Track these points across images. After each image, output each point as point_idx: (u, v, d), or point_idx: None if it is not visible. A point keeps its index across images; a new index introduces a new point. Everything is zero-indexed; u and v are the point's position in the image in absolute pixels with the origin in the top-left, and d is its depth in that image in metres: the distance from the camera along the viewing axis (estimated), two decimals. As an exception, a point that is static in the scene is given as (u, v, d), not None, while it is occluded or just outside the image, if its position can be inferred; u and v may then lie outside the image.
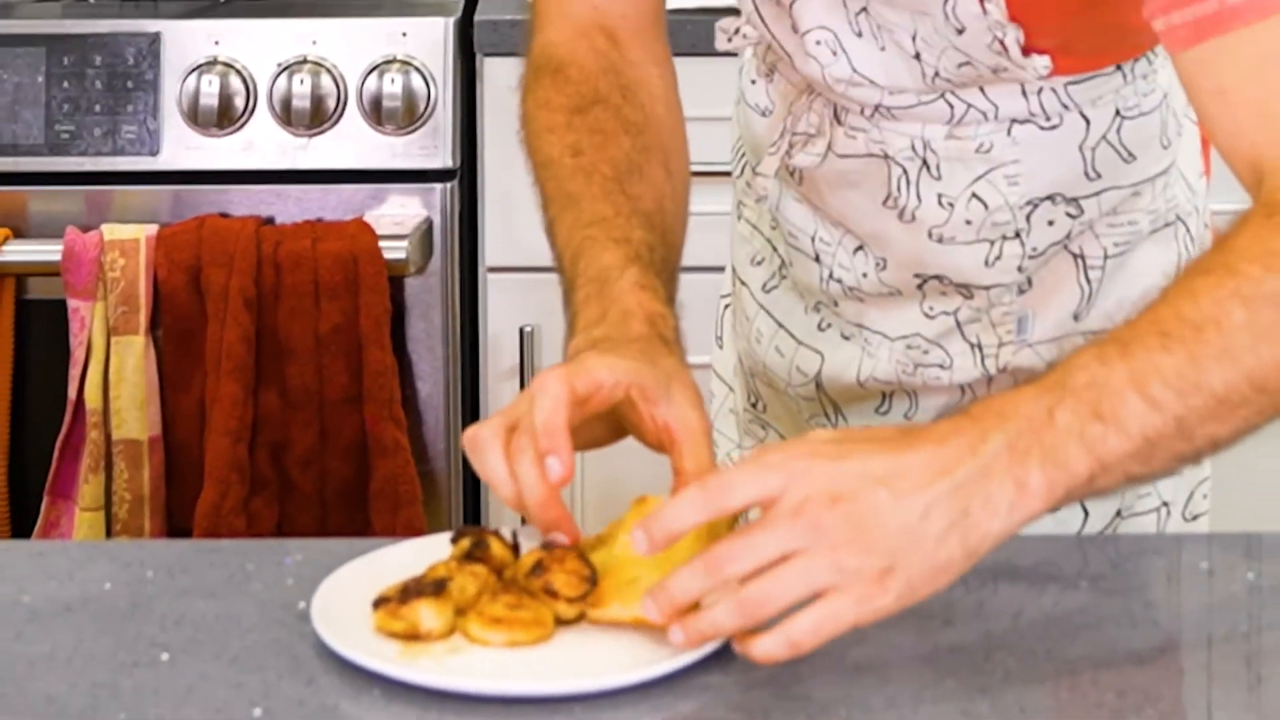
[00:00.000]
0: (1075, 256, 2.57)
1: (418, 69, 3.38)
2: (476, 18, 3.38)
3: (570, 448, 2.02)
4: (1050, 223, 2.54)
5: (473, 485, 3.48)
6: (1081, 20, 2.44)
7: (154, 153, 3.38)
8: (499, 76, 3.38)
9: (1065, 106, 2.50)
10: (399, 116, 3.38)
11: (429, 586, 1.96)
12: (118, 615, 2.04)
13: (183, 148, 3.39)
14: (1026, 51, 2.41)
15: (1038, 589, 2.09)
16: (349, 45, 3.40)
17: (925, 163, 2.54)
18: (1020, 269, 2.54)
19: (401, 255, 3.33)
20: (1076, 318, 2.57)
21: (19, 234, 3.36)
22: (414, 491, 3.33)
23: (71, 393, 3.32)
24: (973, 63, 2.44)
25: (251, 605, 2.05)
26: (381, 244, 3.32)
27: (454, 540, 2.02)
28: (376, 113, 3.39)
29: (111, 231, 3.32)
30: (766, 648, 1.91)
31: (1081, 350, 2.05)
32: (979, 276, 2.55)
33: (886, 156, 2.54)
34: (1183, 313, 2.06)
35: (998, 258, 2.54)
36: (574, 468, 2.04)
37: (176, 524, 3.34)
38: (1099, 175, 2.54)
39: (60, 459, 3.32)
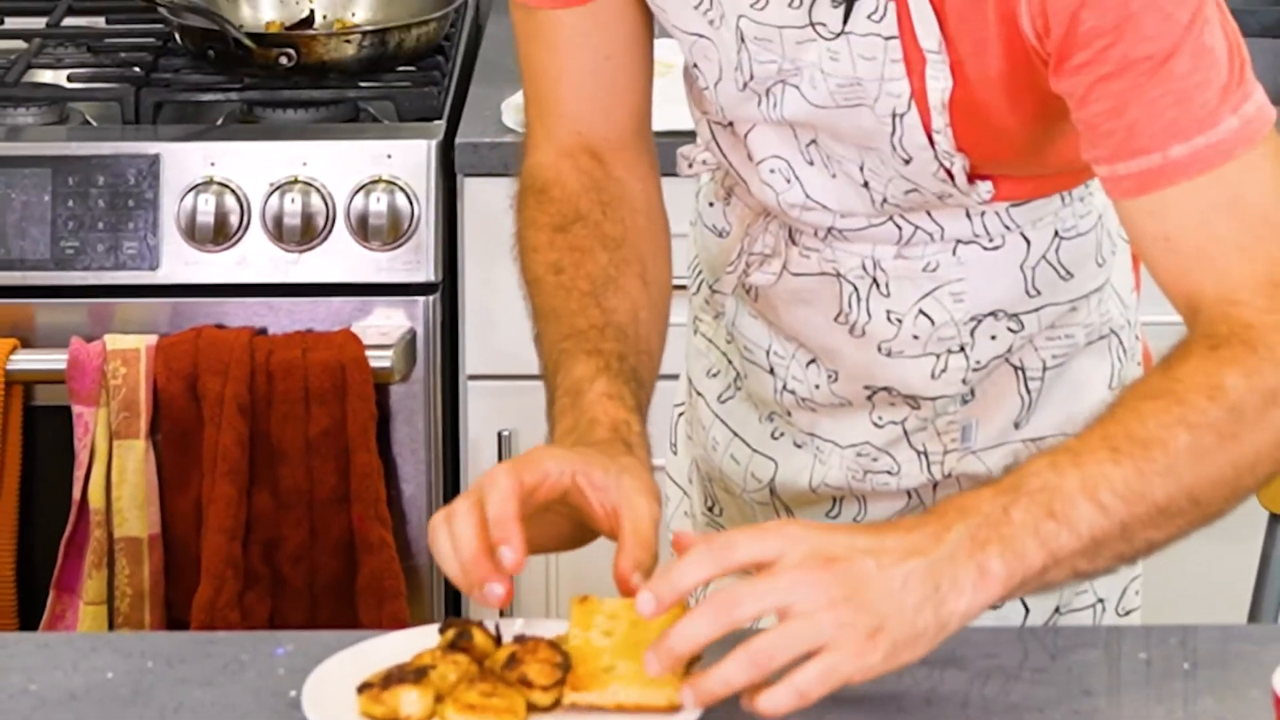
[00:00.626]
0: (1016, 369, 2.57)
1: (402, 188, 3.37)
2: (457, 140, 3.38)
3: (521, 536, 2.04)
4: (993, 337, 2.54)
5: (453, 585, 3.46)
6: (1025, 155, 2.44)
7: (154, 267, 3.37)
8: (478, 195, 3.39)
9: (1007, 228, 2.51)
10: (384, 233, 3.36)
11: (411, 674, 2.01)
12: (120, 703, 2.06)
13: (181, 263, 3.37)
14: (971, 179, 2.42)
15: (983, 679, 2.09)
16: (337, 166, 3.38)
17: (875, 281, 2.54)
18: (964, 381, 2.55)
19: (387, 364, 3.32)
20: (1017, 426, 2.57)
21: (26, 344, 3.35)
22: (398, 586, 3.32)
23: (76, 493, 3.30)
24: (919, 190, 2.44)
25: (245, 693, 2.08)
26: (368, 353, 3.31)
27: (441, 630, 2.06)
28: (363, 230, 3.37)
29: (113, 342, 3.31)
30: (776, 699, 1.94)
31: (1035, 458, 2.11)
32: (925, 388, 2.55)
33: (839, 275, 2.54)
34: (1131, 432, 2.13)
35: (943, 370, 2.54)
36: (524, 556, 2.04)
37: (175, 617, 3.32)
38: (1039, 292, 2.54)
39: (65, 556, 3.31)
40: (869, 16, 2.34)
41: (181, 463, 3.32)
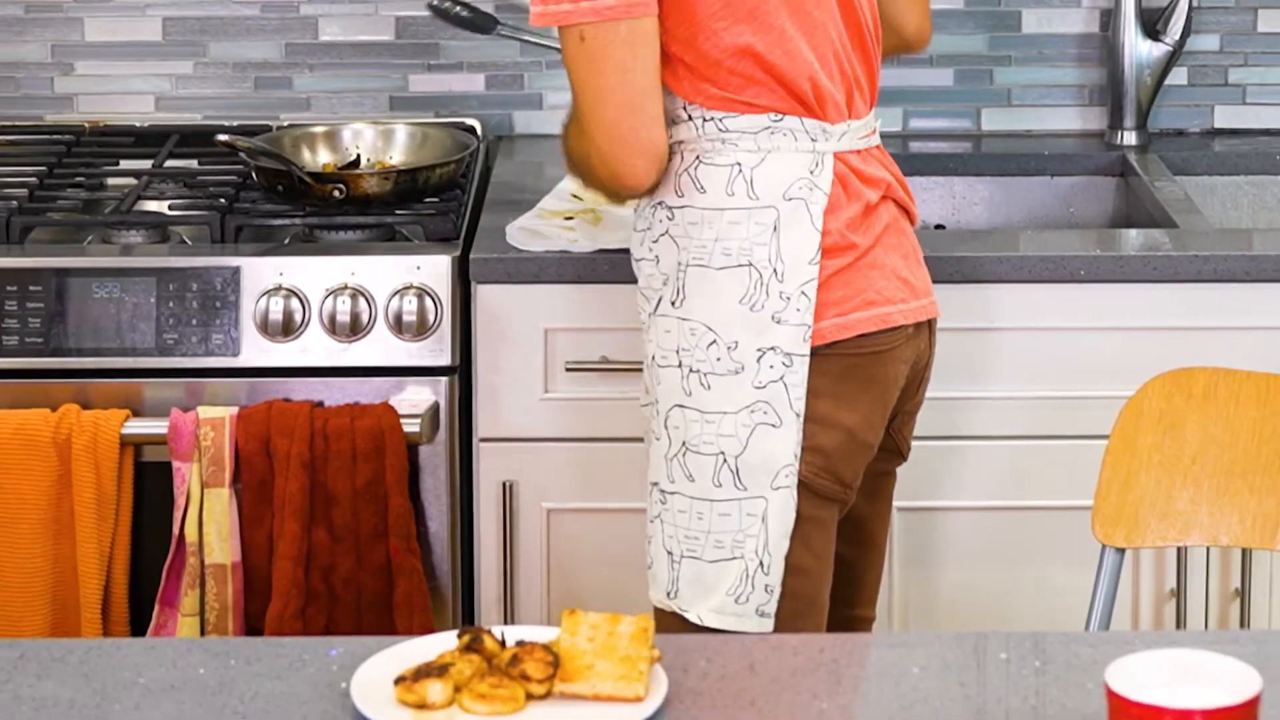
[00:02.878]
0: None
1: (428, 293, 3.35)
2: (471, 256, 3.36)
3: None
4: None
5: (468, 598, 3.45)
6: None
7: (235, 354, 3.35)
8: (488, 298, 3.35)
9: None
10: (414, 328, 3.34)
11: (435, 669, 2.07)
12: (208, 693, 2.11)
13: (257, 350, 3.35)
14: None
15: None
16: (378, 275, 3.36)
17: None
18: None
19: (416, 429, 3.30)
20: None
21: (136, 414, 3.32)
22: (426, 602, 3.30)
23: (175, 530, 3.29)
24: None
25: (306, 685, 2.12)
26: (402, 421, 3.30)
27: (459, 636, 2.10)
28: (398, 325, 3.35)
29: (204, 412, 3.29)
30: None
31: None
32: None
33: None
34: None
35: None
36: None
37: (252, 626, 3.31)
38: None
39: (167, 578, 3.29)
40: None
41: (257, 506, 3.30)
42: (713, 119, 2.74)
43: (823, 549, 2.80)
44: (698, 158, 2.75)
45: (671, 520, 2.77)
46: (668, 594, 2.78)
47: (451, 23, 3.66)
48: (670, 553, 2.77)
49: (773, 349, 2.71)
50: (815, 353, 2.73)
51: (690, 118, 2.75)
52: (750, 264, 2.72)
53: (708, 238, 2.73)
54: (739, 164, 2.74)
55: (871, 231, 2.80)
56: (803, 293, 2.71)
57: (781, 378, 2.71)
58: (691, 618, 2.76)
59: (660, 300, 2.79)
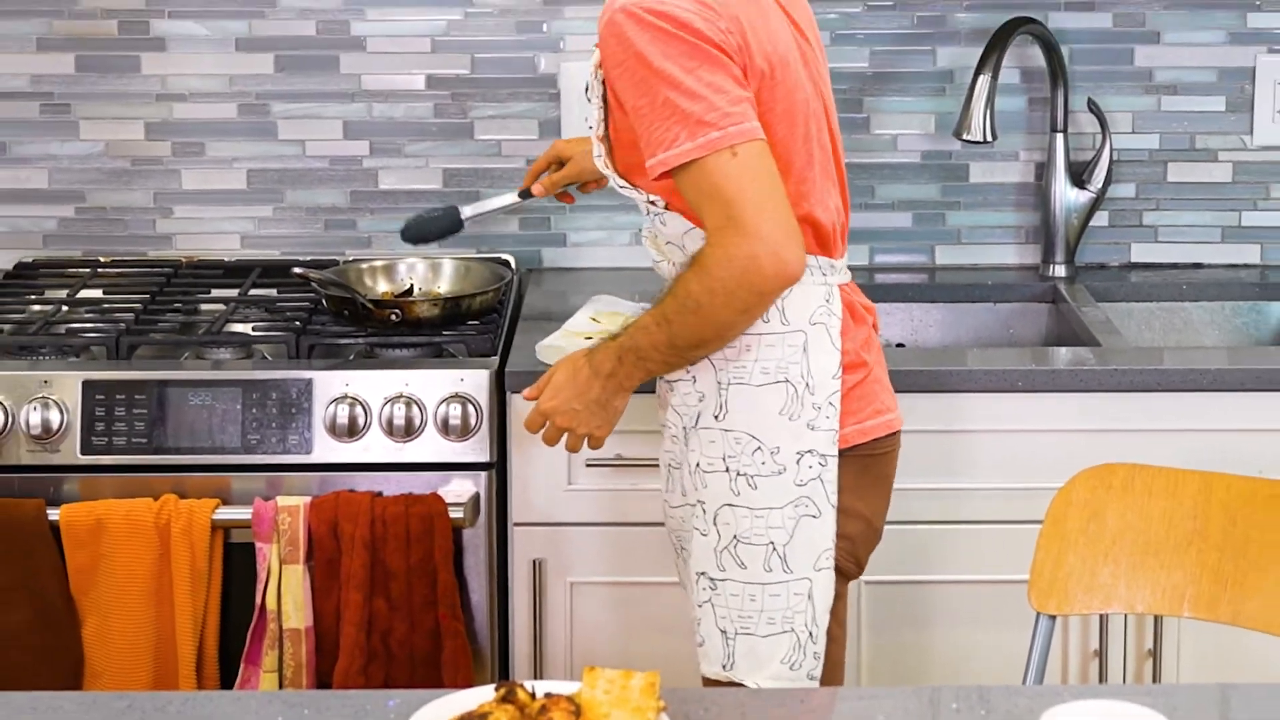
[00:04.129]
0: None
1: (471, 401, 3.34)
2: (507, 370, 3.36)
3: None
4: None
5: (504, 657, 3.44)
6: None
7: (308, 452, 3.34)
8: (521, 405, 3.32)
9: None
10: (459, 430, 3.34)
11: (476, 717, 2.06)
12: None
13: (326, 449, 3.34)
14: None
15: None
16: (428, 386, 3.35)
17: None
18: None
19: (461, 515, 3.30)
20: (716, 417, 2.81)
21: (225, 502, 3.32)
22: (468, 661, 3.29)
23: (258, 600, 3.28)
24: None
25: None
26: (449, 509, 3.29)
27: (496, 689, 2.09)
28: (445, 428, 3.34)
29: (283, 500, 3.29)
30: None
31: (622, 335, 2.80)
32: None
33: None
34: (658, 315, 2.74)
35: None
36: None
37: (322, 682, 3.30)
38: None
39: (251, 640, 3.28)
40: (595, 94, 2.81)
41: (326, 579, 3.29)
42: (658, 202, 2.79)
43: (843, 618, 2.85)
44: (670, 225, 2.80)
45: (724, 604, 2.77)
46: (723, 667, 2.78)
47: (431, 235, 3.67)
48: (724, 631, 2.77)
49: (810, 451, 2.74)
50: (839, 454, 2.77)
51: (657, 204, 2.80)
52: (787, 380, 2.74)
53: (748, 360, 2.75)
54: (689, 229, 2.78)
55: (873, 351, 2.85)
56: (830, 403, 2.75)
57: (819, 475, 2.74)
58: (750, 685, 2.76)
59: (700, 415, 2.79)
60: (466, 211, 3.64)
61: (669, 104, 2.60)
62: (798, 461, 2.74)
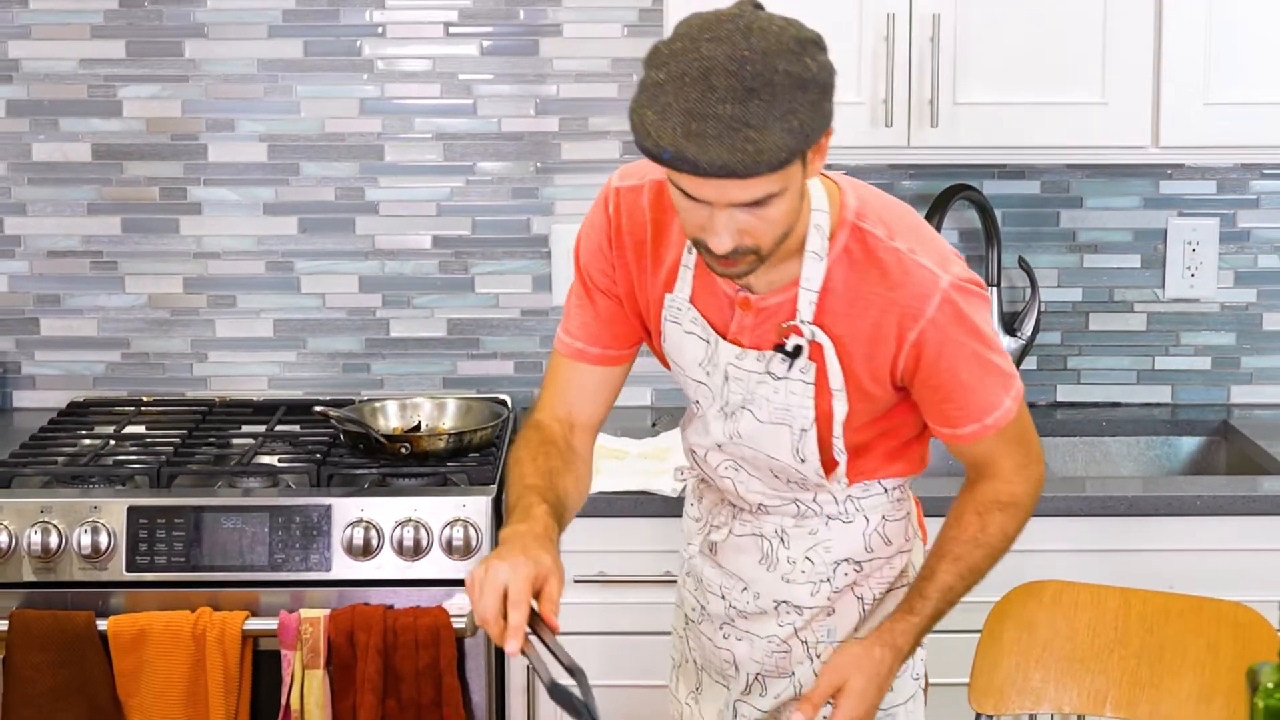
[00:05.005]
0: (857, 597, 2.58)
1: (471, 525, 3.34)
2: (504, 497, 3.31)
3: (524, 620, 2.18)
4: (845, 574, 2.56)
5: (501, 752, 3.43)
6: (880, 432, 2.51)
7: (328, 570, 3.34)
8: None
9: (856, 510, 2.53)
10: (461, 550, 3.33)
11: None
12: None
13: (343, 567, 3.34)
14: (829, 473, 2.48)
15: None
16: (434, 512, 3.34)
17: (782, 538, 2.55)
18: (828, 599, 2.56)
19: (463, 625, 3.28)
20: (856, 629, 2.58)
21: (254, 614, 3.31)
22: (471, 753, 3.27)
23: (283, 701, 3.27)
24: (805, 481, 2.49)
25: None
26: (452, 620, 3.28)
27: None
28: (449, 549, 3.34)
29: (305, 613, 3.28)
30: None
31: (918, 597, 2.51)
32: (807, 602, 2.55)
33: (761, 535, 2.57)
34: (960, 567, 2.52)
35: (817, 592, 2.55)
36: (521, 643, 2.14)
37: (341, 772, 3.27)
38: (872, 550, 2.57)
39: (276, 738, 3.28)
40: (801, 370, 2.39)
41: (344, 683, 3.27)
42: (899, 486, 2.62)
43: None
44: (883, 517, 2.60)
45: None
46: None
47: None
48: None
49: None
50: None
51: (885, 490, 2.60)
52: (909, 584, 2.62)
53: (888, 577, 2.62)
54: (909, 512, 2.65)
55: None
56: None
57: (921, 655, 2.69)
58: None
59: (833, 629, 2.61)
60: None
61: (989, 366, 2.42)
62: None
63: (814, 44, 2.19)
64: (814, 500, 2.54)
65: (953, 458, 2.58)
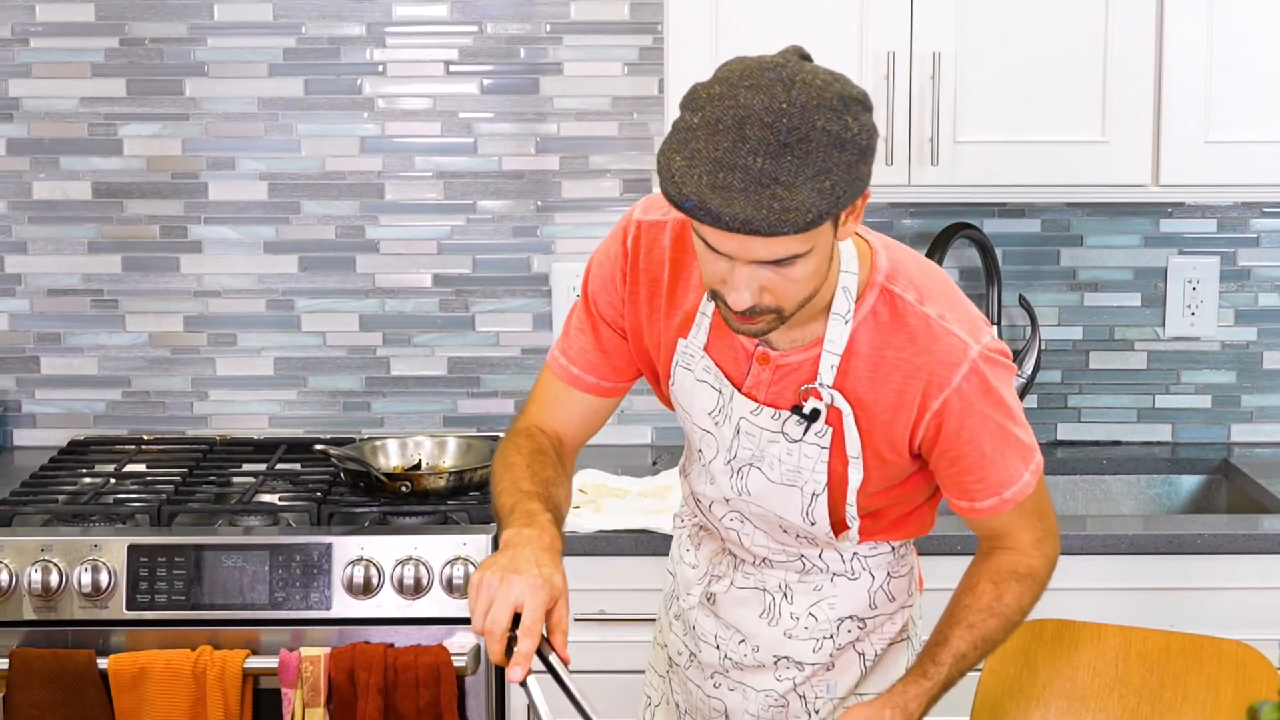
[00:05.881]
0: (859, 653, 2.55)
1: (472, 563, 3.33)
2: (492, 498, 3.31)
3: (534, 645, 2.14)
4: (849, 631, 2.53)
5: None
6: (893, 500, 2.47)
7: (328, 608, 3.34)
8: None
9: (863, 568, 2.50)
10: (462, 588, 3.33)
11: None
12: None
13: (344, 606, 3.34)
14: (839, 533, 2.44)
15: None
16: (435, 550, 3.36)
17: (785, 593, 2.52)
18: (830, 655, 2.53)
19: (463, 663, 3.29)
20: (856, 686, 2.55)
21: (254, 652, 3.31)
22: (472, 791, 3.26)
23: None
24: (815, 538, 2.45)
25: None
26: (452, 658, 3.28)
27: None
28: (449, 587, 3.34)
29: (306, 651, 3.28)
30: None
31: (932, 664, 2.40)
32: (808, 658, 2.53)
33: (764, 589, 2.53)
34: (974, 638, 2.43)
35: (819, 649, 2.52)
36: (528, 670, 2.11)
37: (343, 808, 3.27)
38: (876, 607, 2.54)
39: (277, 774, 3.26)
40: (817, 434, 2.35)
41: None
42: (905, 545, 2.59)
43: None
44: (888, 574, 2.57)
45: None
46: None
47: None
48: None
49: None
50: None
51: (892, 548, 2.56)
52: (909, 639, 2.62)
53: (890, 633, 2.58)
54: (912, 567, 2.62)
55: None
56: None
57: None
58: None
59: (834, 684, 2.58)
60: None
61: (1011, 438, 2.34)
62: None
63: (858, 103, 2.10)
64: (820, 556, 2.51)
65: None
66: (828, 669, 2.55)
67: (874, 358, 2.32)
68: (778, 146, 2.04)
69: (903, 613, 2.59)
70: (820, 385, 2.33)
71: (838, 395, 2.33)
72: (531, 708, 2.23)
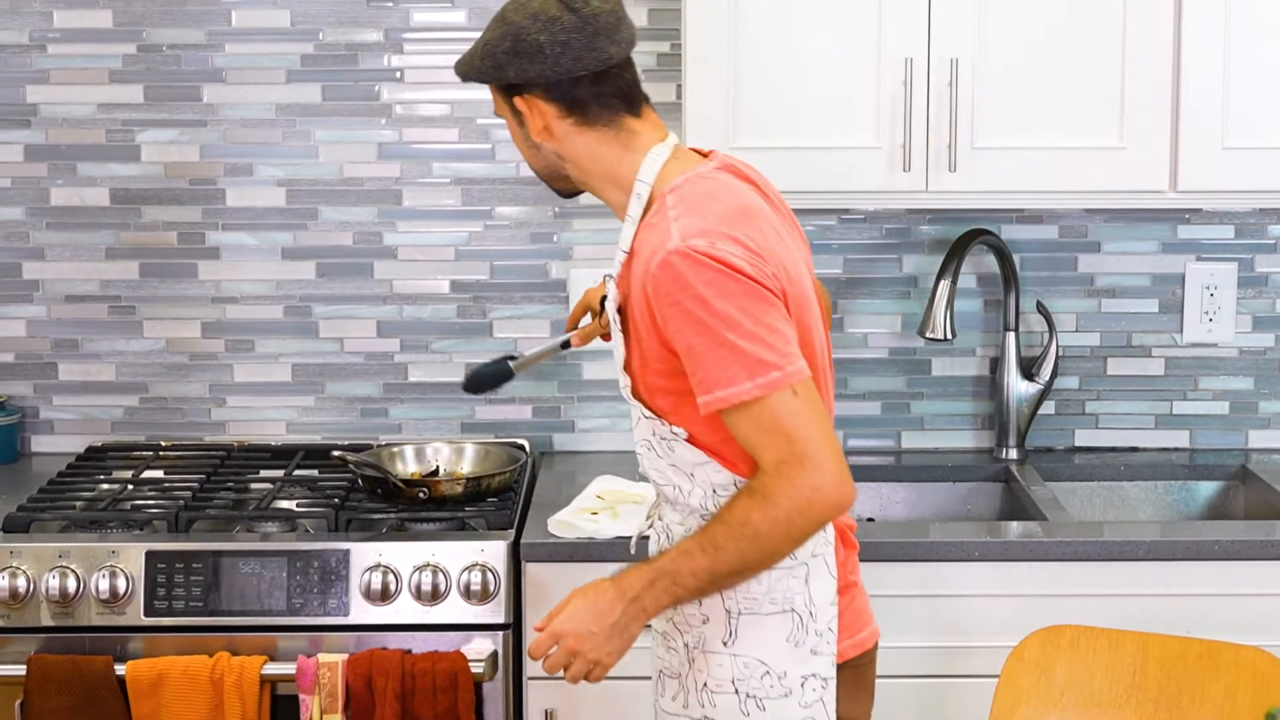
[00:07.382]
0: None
1: (490, 570, 3.35)
2: (521, 541, 3.38)
3: None
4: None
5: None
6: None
7: (346, 615, 3.34)
8: (535, 574, 3.36)
9: (703, 490, 2.68)
10: (479, 595, 3.34)
11: None
12: None
13: (361, 612, 3.35)
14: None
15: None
16: (453, 556, 3.36)
17: (668, 533, 2.78)
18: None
19: (481, 670, 3.29)
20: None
21: (272, 659, 3.31)
22: (489, 799, 3.27)
23: None
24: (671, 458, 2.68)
25: None
26: (470, 664, 3.29)
27: None
28: (467, 593, 3.35)
29: (323, 657, 3.29)
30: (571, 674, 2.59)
31: (660, 558, 2.58)
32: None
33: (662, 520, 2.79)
34: (705, 542, 2.55)
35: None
36: None
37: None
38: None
39: (294, 782, 3.27)
40: (615, 318, 2.65)
41: None
42: (730, 482, 2.65)
43: None
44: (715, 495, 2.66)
45: None
46: None
47: (486, 386, 3.41)
48: None
49: (813, 675, 2.65)
50: (836, 668, 2.69)
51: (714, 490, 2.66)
52: (792, 609, 2.64)
53: (758, 591, 2.63)
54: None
55: (858, 570, 2.78)
56: (829, 628, 2.66)
57: (821, 697, 2.65)
58: None
59: (705, 638, 2.67)
60: (515, 363, 3.41)
61: (727, 344, 2.46)
62: (802, 685, 2.64)
63: (562, 4, 2.59)
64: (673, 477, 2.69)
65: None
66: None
67: (640, 254, 2.57)
68: (494, 19, 2.64)
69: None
70: (608, 277, 2.64)
71: (611, 284, 2.63)
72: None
